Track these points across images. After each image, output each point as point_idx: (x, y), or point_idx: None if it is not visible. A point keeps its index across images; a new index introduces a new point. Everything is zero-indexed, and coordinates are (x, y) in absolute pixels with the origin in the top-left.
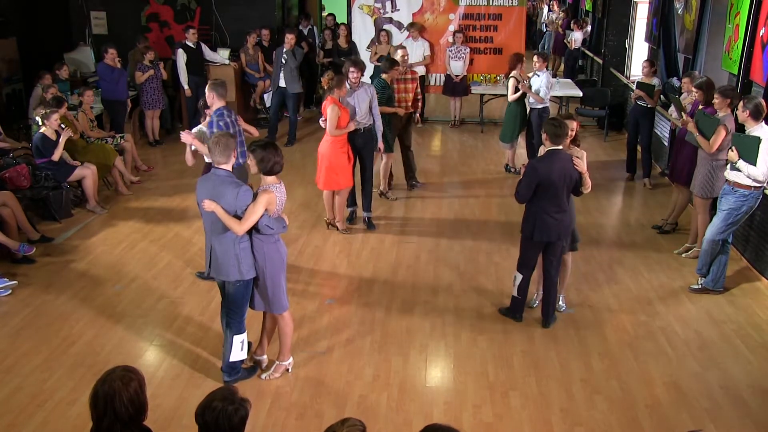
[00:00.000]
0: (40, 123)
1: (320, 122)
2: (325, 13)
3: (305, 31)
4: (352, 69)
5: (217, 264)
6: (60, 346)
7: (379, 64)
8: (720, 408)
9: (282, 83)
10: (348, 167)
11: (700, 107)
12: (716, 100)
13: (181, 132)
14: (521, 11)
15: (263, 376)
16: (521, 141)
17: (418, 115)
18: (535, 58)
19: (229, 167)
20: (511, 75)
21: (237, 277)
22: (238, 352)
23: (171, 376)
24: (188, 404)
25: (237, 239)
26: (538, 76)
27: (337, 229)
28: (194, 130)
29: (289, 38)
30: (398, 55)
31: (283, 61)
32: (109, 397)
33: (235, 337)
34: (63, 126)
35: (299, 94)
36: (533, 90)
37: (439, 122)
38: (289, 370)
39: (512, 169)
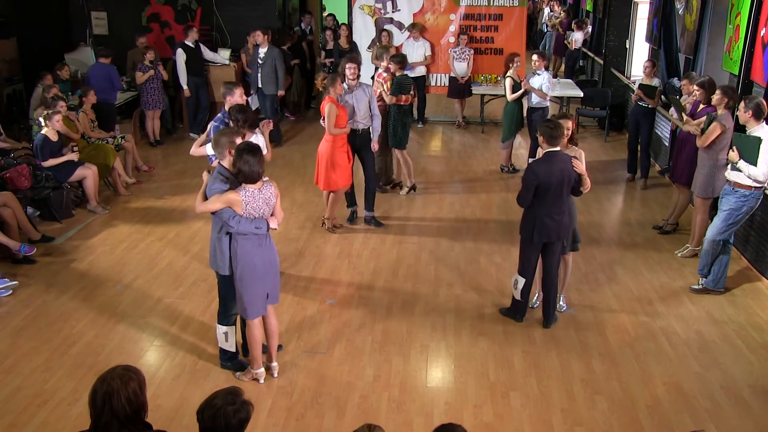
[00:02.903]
0: (43, 123)
1: (321, 122)
2: (325, 14)
3: (307, 30)
4: (349, 65)
5: (210, 251)
6: (61, 346)
7: (380, 63)
8: (721, 408)
9: (259, 83)
10: (348, 167)
11: (700, 107)
12: (716, 96)
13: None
14: (522, 11)
15: (236, 374)
16: (522, 141)
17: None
18: (534, 57)
19: (225, 163)
20: (507, 75)
21: (215, 267)
22: (223, 342)
23: (171, 377)
24: (189, 404)
25: (217, 232)
26: (538, 75)
27: (323, 224)
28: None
29: (258, 36)
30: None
31: (260, 62)
32: (107, 396)
33: (218, 326)
34: (75, 149)
35: (275, 96)
36: (536, 88)
37: (439, 122)
38: (260, 381)
39: (505, 168)
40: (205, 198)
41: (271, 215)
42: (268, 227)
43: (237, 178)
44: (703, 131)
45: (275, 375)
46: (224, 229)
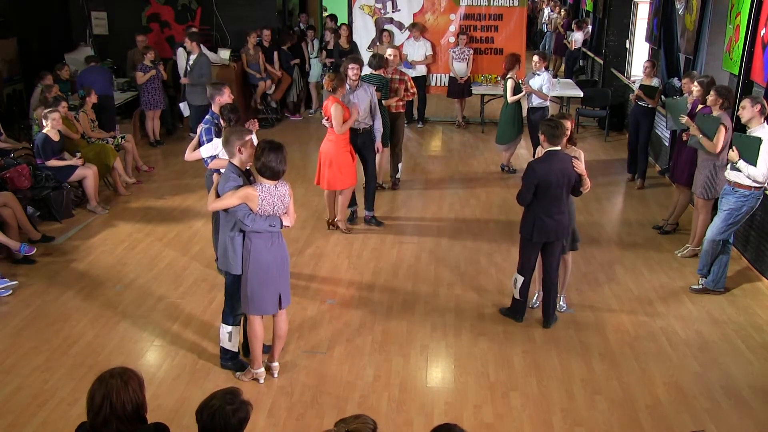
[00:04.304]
0: (45, 124)
1: (323, 122)
2: (326, 14)
3: (305, 29)
4: (352, 65)
5: (219, 251)
6: (61, 346)
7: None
8: (720, 408)
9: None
10: (352, 166)
11: (699, 107)
12: (710, 97)
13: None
14: (522, 11)
15: (237, 374)
16: (523, 141)
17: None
18: (535, 57)
19: (236, 161)
20: (508, 76)
21: (225, 267)
22: (226, 341)
23: (172, 377)
24: (189, 404)
25: (230, 231)
26: (538, 75)
27: (338, 228)
28: None
29: (187, 43)
30: (388, 54)
31: (188, 69)
32: (107, 395)
33: (222, 326)
34: (78, 154)
35: (200, 108)
36: (535, 89)
37: (439, 122)
38: (260, 381)
39: (506, 168)
40: (218, 196)
41: (285, 213)
42: (282, 224)
43: (261, 174)
44: (704, 134)
45: (275, 375)
46: (236, 227)
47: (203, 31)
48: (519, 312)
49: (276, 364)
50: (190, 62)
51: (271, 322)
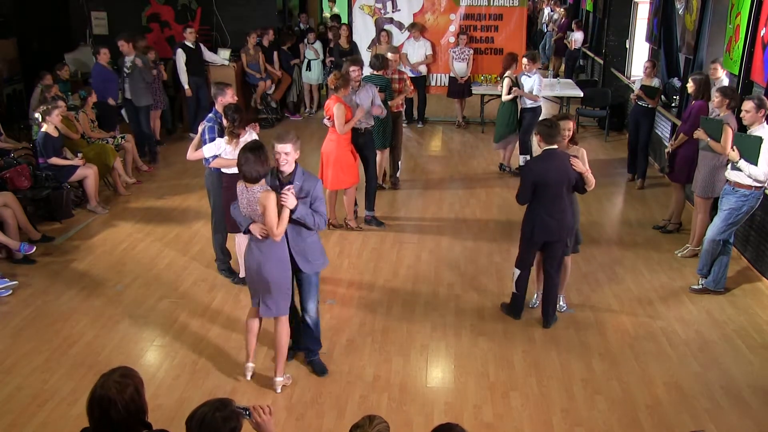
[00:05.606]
0: (41, 120)
1: (324, 122)
2: (327, 14)
3: (305, 29)
4: (353, 68)
5: None
6: (61, 346)
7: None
8: (720, 408)
9: (128, 94)
10: (354, 165)
11: (692, 102)
12: (716, 98)
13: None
14: (522, 11)
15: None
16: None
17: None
18: (524, 60)
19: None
20: (505, 75)
21: None
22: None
23: (171, 377)
24: (189, 405)
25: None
26: (529, 77)
27: (347, 226)
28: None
29: (123, 45)
30: (389, 56)
31: (127, 71)
32: (104, 405)
33: None
34: (80, 154)
35: (149, 108)
36: (526, 89)
37: (439, 122)
38: (247, 376)
39: (507, 168)
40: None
41: (255, 222)
42: (246, 229)
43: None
44: (713, 138)
45: (278, 390)
46: None
47: (203, 31)
48: (516, 308)
49: (279, 379)
50: (127, 64)
51: (272, 325)
